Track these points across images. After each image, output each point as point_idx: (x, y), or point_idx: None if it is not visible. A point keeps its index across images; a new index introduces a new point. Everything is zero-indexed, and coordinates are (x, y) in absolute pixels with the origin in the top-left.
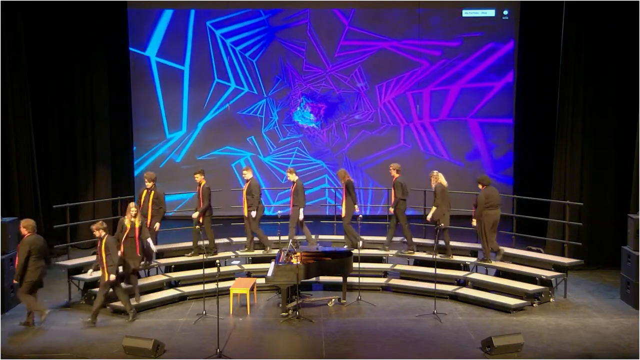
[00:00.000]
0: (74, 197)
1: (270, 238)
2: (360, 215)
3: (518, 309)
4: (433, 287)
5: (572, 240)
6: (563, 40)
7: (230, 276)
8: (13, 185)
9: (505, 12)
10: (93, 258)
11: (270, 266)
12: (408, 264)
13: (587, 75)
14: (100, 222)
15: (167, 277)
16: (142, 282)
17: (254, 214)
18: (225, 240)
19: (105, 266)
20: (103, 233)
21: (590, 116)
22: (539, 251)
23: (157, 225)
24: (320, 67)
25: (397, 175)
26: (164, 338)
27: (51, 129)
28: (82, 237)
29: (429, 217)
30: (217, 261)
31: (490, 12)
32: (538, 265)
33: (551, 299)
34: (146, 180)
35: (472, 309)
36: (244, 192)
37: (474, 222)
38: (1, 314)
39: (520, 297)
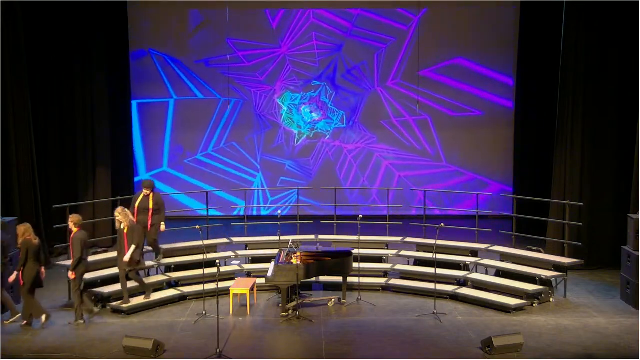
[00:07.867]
0: (74, 197)
1: (270, 238)
2: (360, 216)
3: (518, 309)
4: (433, 287)
5: (572, 240)
6: (563, 40)
7: (230, 276)
8: (13, 185)
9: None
10: (93, 258)
11: (270, 266)
12: (408, 264)
13: (587, 75)
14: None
15: (167, 277)
16: None
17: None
18: (225, 240)
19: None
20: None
21: (590, 116)
22: (539, 251)
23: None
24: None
25: (75, 230)
26: (164, 338)
27: (51, 129)
28: None
29: (128, 258)
30: (217, 261)
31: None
32: (538, 265)
33: (551, 299)
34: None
35: (472, 309)
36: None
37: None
38: (1, 314)
39: (520, 297)
